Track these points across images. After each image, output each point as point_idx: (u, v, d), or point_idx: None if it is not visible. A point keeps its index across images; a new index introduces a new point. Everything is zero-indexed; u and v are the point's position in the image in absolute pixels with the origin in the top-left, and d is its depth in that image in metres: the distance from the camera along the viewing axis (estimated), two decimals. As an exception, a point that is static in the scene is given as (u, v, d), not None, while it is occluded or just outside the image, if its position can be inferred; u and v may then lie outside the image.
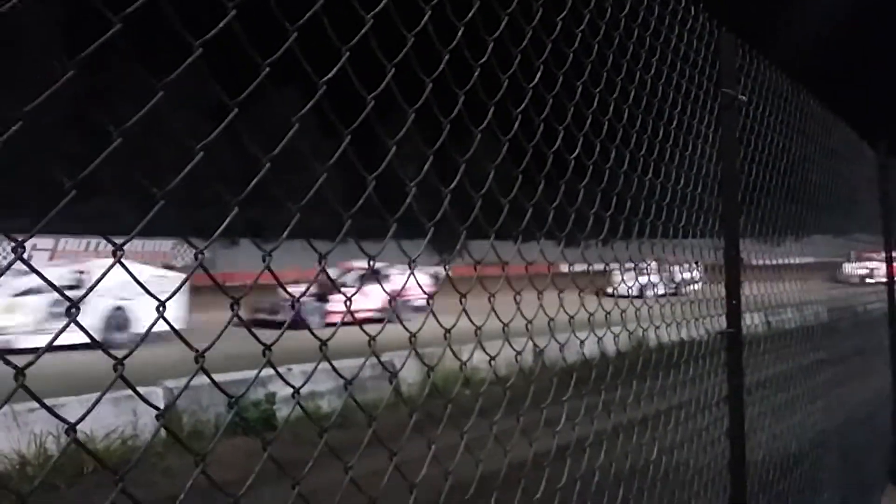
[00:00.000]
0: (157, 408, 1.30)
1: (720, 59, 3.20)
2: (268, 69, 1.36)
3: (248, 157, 1.41)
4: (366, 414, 1.71)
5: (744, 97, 3.30)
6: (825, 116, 4.93)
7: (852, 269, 8.08)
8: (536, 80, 2.10)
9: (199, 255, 1.29)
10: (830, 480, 4.49)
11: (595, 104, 2.44)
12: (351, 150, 1.56)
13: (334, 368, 1.70)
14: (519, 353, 2.16)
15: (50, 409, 1.13)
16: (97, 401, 1.19)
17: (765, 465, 3.47)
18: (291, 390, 1.69)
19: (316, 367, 1.71)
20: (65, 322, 1.11)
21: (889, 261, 6.51)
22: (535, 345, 2.24)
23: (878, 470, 5.94)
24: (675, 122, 2.98)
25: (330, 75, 1.47)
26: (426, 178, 1.81)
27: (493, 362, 2.08)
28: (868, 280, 7.87)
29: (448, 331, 1.92)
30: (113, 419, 8.78)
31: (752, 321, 3.51)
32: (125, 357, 1.18)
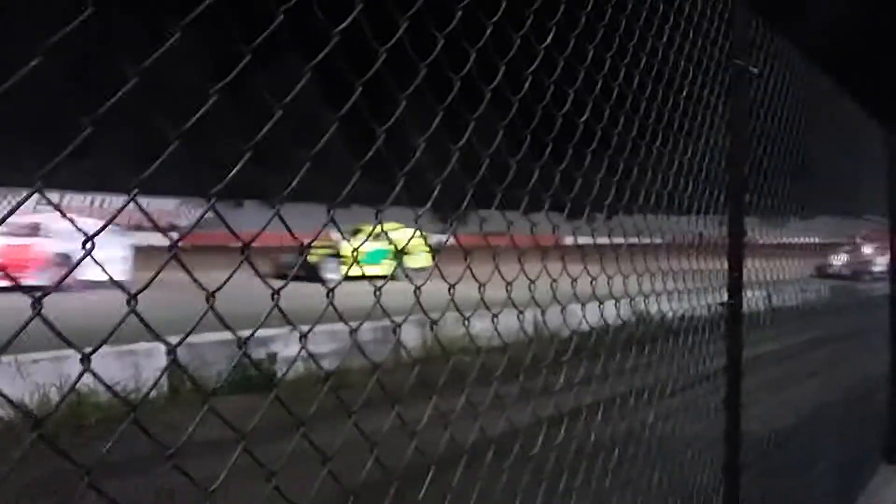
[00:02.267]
0: (168, 344, 1.30)
1: (733, 30, 3.18)
2: (282, 17, 1.36)
3: (253, 116, 1.40)
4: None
5: (755, 69, 3.28)
6: (835, 93, 4.89)
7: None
8: (548, 41, 2.09)
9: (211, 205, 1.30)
10: (825, 455, 4.54)
11: (606, 68, 2.43)
12: (363, 103, 1.56)
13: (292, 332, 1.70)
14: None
15: (67, 340, 1.14)
16: (109, 335, 1.18)
17: (759, 436, 3.50)
18: (293, 352, 1.71)
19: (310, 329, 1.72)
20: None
21: (893, 241, 6.51)
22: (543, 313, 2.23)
23: (874, 448, 6.00)
24: (685, 91, 2.96)
25: (344, 25, 1.47)
26: (435, 136, 1.81)
27: (496, 325, 2.08)
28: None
29: (454, 289, 1.93)
30: (117, 373, 8.88)
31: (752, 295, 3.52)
32: (138, 293, 1.18)
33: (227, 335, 1.38)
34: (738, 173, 3.15)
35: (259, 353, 10.76)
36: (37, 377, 8.22)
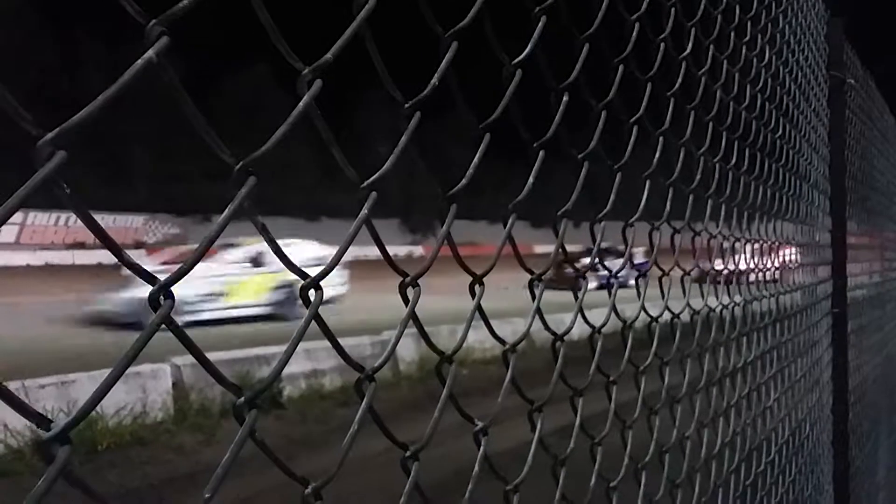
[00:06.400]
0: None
1: (830, 43, 3.22)
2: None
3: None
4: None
5: (852, 80, 3.32)
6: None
7: None
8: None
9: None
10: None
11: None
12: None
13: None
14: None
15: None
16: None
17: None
18: (294, 368, 1.61)
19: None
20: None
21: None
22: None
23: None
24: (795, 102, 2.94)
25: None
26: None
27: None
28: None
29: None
30: (123, 396, 8.65)
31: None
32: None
33: (232, 354, 1.26)
34: (840, 180, 3.19)
35: (263, 372, 10.59)
36: (45, 403, 7.95)
